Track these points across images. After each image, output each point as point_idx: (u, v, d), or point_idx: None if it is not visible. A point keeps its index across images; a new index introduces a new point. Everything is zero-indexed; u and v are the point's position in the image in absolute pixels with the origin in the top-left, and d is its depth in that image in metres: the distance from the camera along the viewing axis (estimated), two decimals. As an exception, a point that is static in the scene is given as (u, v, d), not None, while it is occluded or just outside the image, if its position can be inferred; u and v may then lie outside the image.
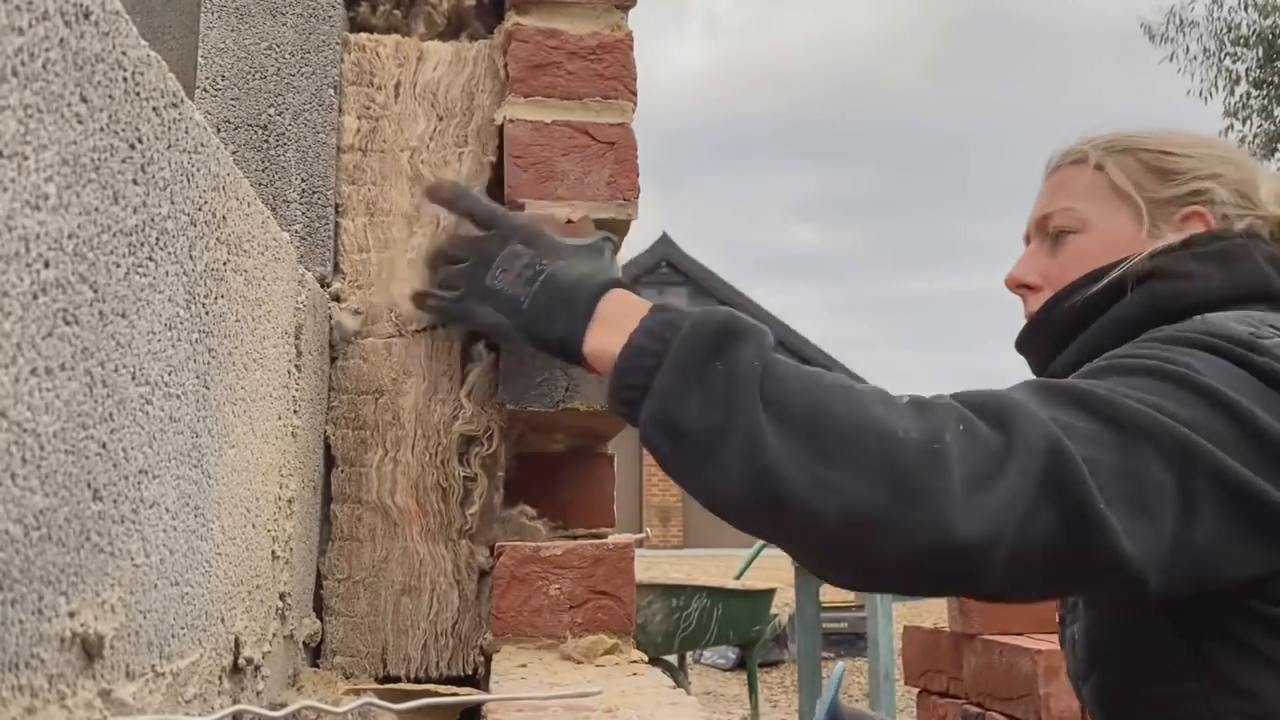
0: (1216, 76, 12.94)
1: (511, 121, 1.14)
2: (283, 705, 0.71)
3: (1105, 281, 0.97)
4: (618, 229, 1.14)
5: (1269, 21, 12.64)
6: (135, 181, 0.55)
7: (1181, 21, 12.91)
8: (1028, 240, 1.10)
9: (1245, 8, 12.79)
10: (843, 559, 0.73)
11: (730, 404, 0.70)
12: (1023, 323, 1.09)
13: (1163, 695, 0.88)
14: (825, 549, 0.73)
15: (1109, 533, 0.70)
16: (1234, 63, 12.95)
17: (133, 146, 0.54)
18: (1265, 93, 12.85)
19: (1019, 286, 1.08)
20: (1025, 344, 1.08)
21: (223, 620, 0.73)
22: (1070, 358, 0.98)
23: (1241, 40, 12.82)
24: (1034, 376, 0.99)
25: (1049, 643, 2.31)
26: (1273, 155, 12.89)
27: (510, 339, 0.97)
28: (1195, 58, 12.95)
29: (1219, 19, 12.85)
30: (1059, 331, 1.01)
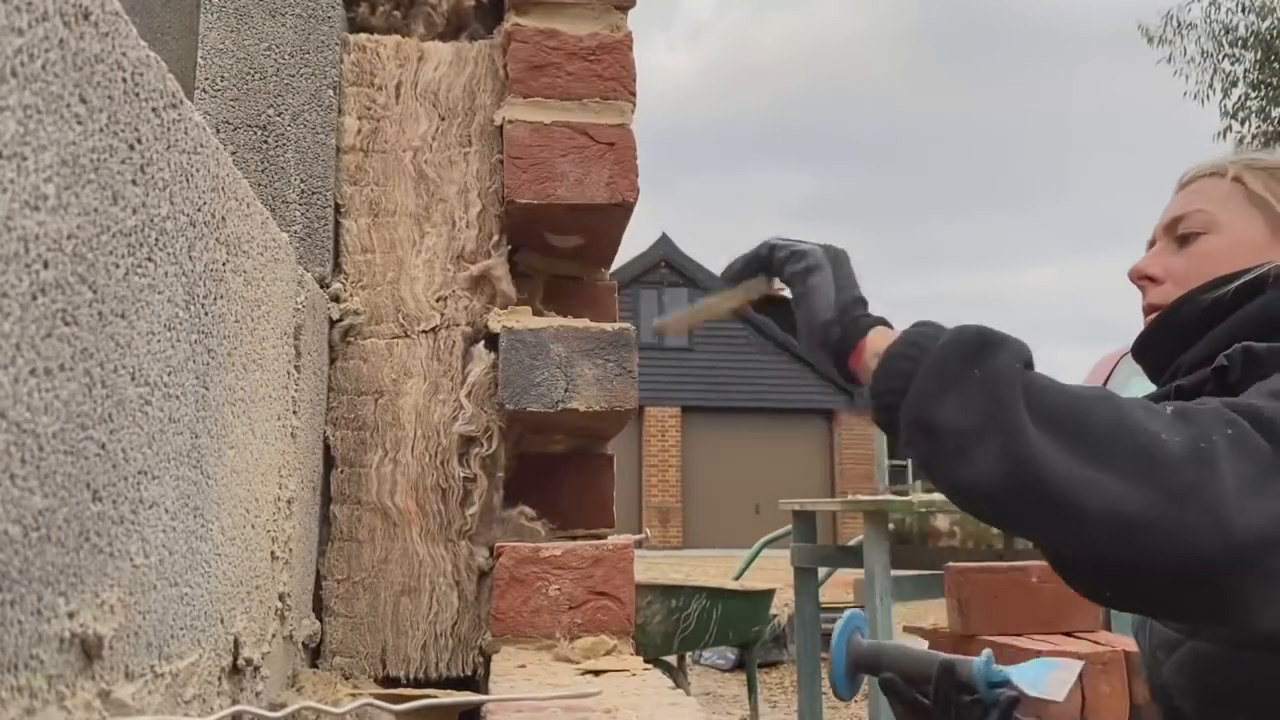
0: (1213, 78, 12.96)
1: (511, 122, 1.14)
2: (282, 706, 0.71)
3: (1243, 280, 0.98)
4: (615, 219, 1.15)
5: (1266, 23, 12.65)
6: (134, 182, 0.55)
7: (1179, 23, 12.92)
8: (1151, 244, 1.12)
9: (1242, 10, 12.80)
10: (1106, 562, 0.72)
11: (989, 405, 0.73)
12: (1138, 326, 1.09)
13: (1262, 666, 0.89)
14: (1090, 548, 0.72)
15: None
16: (1232, 64, 12.97)
17: (132, 147, 0.54)
18: (1263, 94, 12.86)
19: (1141, 278, 1.09)
20: (1148, 341, 1.07)
21: (222, 621, 0.73)
22: (1203, 351, 0.98)
23: (1239, 42, 12.84)
24: (1150, 378, 1.02)
25: (1049, 643, 2.31)
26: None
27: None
28: (1192, 59, 12.97)
29: (1216, 21, 12.86)
30: (1186, 328, 1.01)
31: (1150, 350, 1.07)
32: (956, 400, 0.74)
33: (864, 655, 1.12)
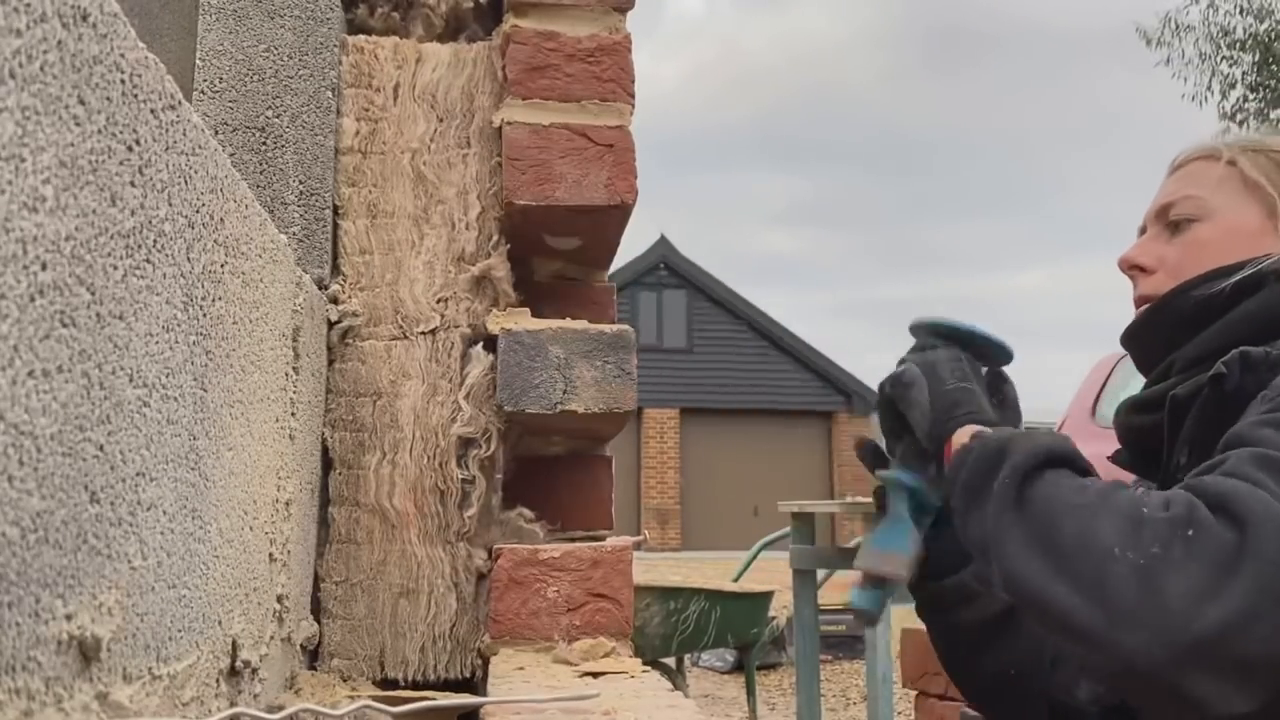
0: (1211, 80, 12.97)
1: (509, 124, 1.14)
2: (280, 708, 0.71)
3: (1240, 276, 0.94)
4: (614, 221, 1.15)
5: (1264, 25, 12.67)
6: (133, 183, 0.55)
7: (1177, 26, 12.93)
8: (1142, 231, 1.07)
9: (1240, 12, 12.82)
10: (1093, 671, 0.81)
11: (988, 517, 0.82)
12: (1126, 319, 1.05)
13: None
14: (1065, 646, 0.82)
15: None
16: (1230, 66, 12.98)
17: (130, 149, 0.54)
18: (1261, 96, 12.88)
19: (1131, 267, 1.04)
20: (1137, 335, 1.04)
21: (220, 623, 0.73)
22: (1197, 350, 0.95)
23: (1237, 44, 12.85)
24: (1139, 369, 1.02)
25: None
26: (1269, 158, 12.89)
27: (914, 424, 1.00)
28: (1190, 61, 12.98)
29: (1214, 23, 12.87)
30: (1178, 324, 0.97)
31: (1139, 343, 1.04)
32: (975, 516, 0.84)
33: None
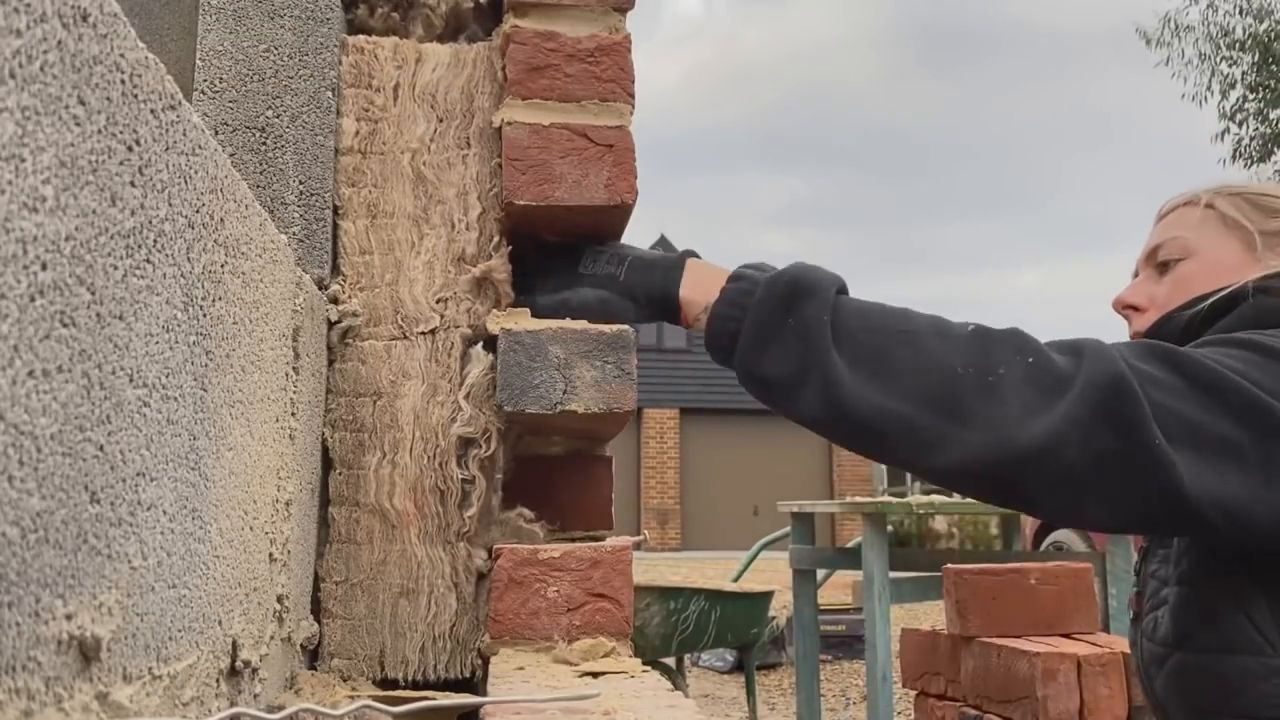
0: (1211, 80, 12.98)
1: (509, 124, 1.14)
2: (280, 708, 0.71)
3: (1218, 296, 1.02)
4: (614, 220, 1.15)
5: (1264, 26, 12.67)
6: (133, 184, 0.55)
7: (1176, 26, 12.93)
8: (1135, 275, 1.17)
9: (1240, 12, 12.82)
10: (920, 472, 0.86)
11: (804, 354, 0.85)
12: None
13: (1248, 670, 0.92)
14: (905, 465, 0.85)
15: (1165, 465, 0.77)
16: (1229, 67, 12.98)
17: (130, 149, 0.54)
18: (1261, 96, 12.88)
19: (1125, 308, 1.14)
20: None
21: (220, 623, 0.73)
22: None
23: (1237, 44, 12.85)
24: None
25: (1047, 645, 2.31)
26: (1269, 159, 12.92)
27: (609, 310, 1.08)
28: (1190, 62, 12.99)
29: (1213, 23, 12.88)
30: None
31: None
32: (776, 352, 0.87)
33: None
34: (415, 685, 1.08)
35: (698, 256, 1.06)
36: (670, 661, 4.24)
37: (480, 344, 1.14)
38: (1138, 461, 0.78)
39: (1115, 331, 1.16)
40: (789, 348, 0.86)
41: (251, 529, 0.81)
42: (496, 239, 1.17)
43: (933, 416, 0.80)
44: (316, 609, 1.09)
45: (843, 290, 0.90)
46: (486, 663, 1.04)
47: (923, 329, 0.84)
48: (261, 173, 1.13)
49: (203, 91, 1.14)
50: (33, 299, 0.44)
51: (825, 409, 0.84)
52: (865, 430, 0.83)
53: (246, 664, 0.79)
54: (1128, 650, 2.25)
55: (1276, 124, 12.70)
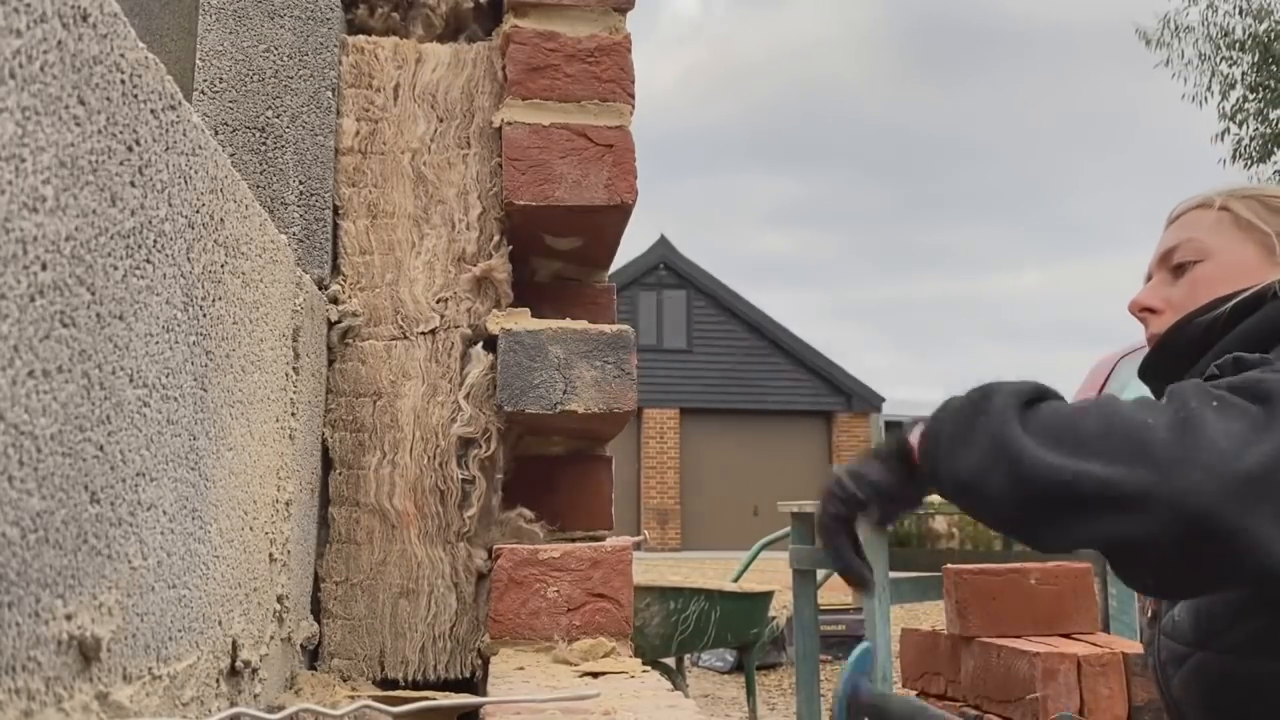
0: (1211, 80, 12.97)
1: (509, 124, 1.14)
2: (280, 708, 0.71)
3: (1241, 297, 1.01)
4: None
5: (1264, 26, 12.67)
6: (133, 184, 0.55)
7: (1176, 26, 12.93)
8: (1149, 279, 1.16)
9: (1239, 13, 12.82)
10: (1122, 543, 0.77)
11: (991, 443, 0.80)
12: (1143, 351, 1.12)
13: (1271, 672, 0.91)
14: (1098, 532, 0.77)
15: None
16: (1229, 67, 12.98)
17: (130, 149, 0.54)
18: (1261, 96, 12.88)
19: (1141, 310, 1.13)
20: (1153, 366, 1.11)
21: (220, 623, 0.73)
22: (1202, 369, 0.99)
23: (1236, 45, 12.85)
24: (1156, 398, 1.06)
25: (1047, 645, 2.31)
26: (1269, 159, 12.92)
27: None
28: (1190, 62, 12.98)
29: (1213, 24, 12.87)
30: (1187, 350, 1.05)
31: (1155, 374, 1.10)
32: (967, 454, 0.82)
33: (866, 708, 1.14)
34: (415, 685, 1.08)
35: None
36: (670, 661, 4.25)
37: (480, 344, 1.14)
38: None
39: (1119, 335, 1.15)
40: (978, 445, 0.82)
41: (251, 529, 0.81)
42: (497, 238, 1.17)
43: (1134, 468, 0.74)
44: (316, 609, 1.09)
45: (1038, 390, 0.85)
46: (486, 663, 1.04)
47: (1105, 403, 0.80)
48: (261, 173, 1.13)
49: (203, 91, 1.14)
50: (33, 299, 0.44)
51: (1013, 485, 0.78)
52: (1055, 494, 0.76)
53: (246, 664, 0.79)
54: (1128, 650, 2.25)
55: (1276, 124, 12.70)
